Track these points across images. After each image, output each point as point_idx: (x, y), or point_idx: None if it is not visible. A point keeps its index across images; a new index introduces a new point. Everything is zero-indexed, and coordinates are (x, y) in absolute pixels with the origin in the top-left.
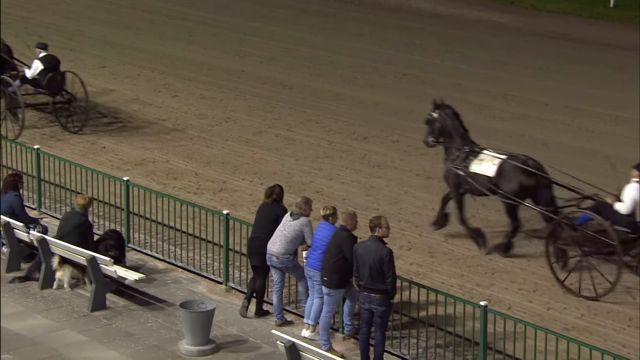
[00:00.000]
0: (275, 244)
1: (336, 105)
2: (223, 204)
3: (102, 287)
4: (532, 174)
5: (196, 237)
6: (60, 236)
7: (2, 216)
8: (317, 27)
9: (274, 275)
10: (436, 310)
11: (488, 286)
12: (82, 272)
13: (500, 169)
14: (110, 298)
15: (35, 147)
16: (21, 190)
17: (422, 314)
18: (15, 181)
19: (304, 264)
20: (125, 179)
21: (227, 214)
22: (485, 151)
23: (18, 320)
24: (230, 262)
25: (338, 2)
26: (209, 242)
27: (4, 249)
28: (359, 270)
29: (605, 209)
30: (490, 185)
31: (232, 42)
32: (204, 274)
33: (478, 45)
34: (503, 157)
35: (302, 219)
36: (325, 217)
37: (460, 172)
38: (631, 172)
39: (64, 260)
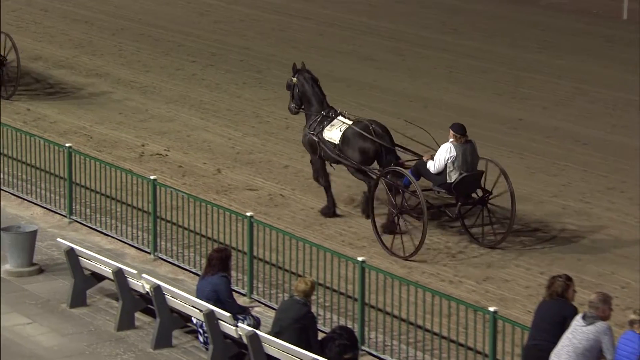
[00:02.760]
0: (562, 357)
1: None
2: (487, 297)
3: None
4: (373, 139)
5: (452, 341)
6: (276, 332)
7: (204, 303)
8: (629, 61)
9: None
10: None
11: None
12: None
13: (344, 136)
14: None
15: (248, 214)
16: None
17: None
18: (224, 258)
19: None
20: (360, 259)
21: (495, 312)
22: (339, 117)
23: None
24: None
25: None
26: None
27: (203, 344)
28: None
29: (423, 169)
30: (336, 152)
31: (506, 79)
32: None
33: None
34: (349, 122)
35: (600, 325)
36: (632, 324)
37: (314, 138)
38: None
39: None
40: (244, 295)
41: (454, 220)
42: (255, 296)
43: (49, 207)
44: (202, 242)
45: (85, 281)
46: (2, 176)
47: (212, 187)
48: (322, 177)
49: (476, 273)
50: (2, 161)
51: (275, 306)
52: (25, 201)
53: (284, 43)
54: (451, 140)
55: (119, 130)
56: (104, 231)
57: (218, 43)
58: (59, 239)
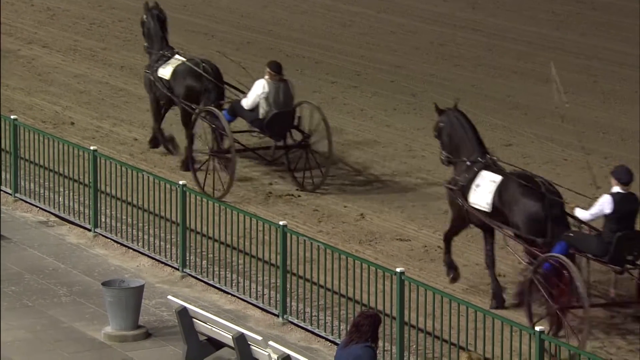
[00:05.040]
0: None
1: None
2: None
3: None
4: (200, 76)
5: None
6: None
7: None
8: None
9: None
10: None
11: None
12: None
13: (174, 72)
14: None
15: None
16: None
17: None
18: (374, 324)
19: None
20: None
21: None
22: (177, 55)
23: None
24: None
25: None
26: None
27: None
28: None
29: (237, 107)
30: (167, 89)
31: None
32: None
33: None
34: (182, 59)
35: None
36: None
37: (150, 76)
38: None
39: None
40: None
41: (273, 162)
42: None
43: (158, 257)
44: (341, 303)
45: (200, 348)
46: (102, 219)
47: (354, 236)
48: (155, 119)
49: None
50: (101, 201)
51: None
52: (131, 250)
53: (445, 60)
54: (266, 77)
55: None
56: (223, 288)
57: (364, 60)
58: (169, 297)
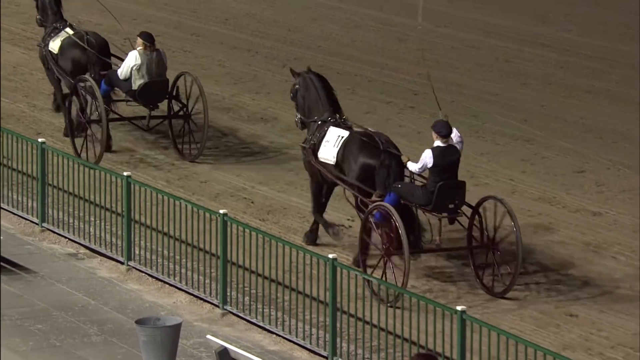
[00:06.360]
0: None
1: None
2: None
3: None
4: (85, 49)
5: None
6: None
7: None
8: None
9: None
10: None
11: None
12: None
13: (61, 45)
14: None
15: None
16: None
17: None
18: None
19: None
20: None
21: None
22: (67, 29)
23: None
24: None
25: None
26: None
27: None
28: None
29: (113, 76)
30: (54, 63)
31: None
32: None
33: None
34: (70, 33)
35: None
36: None
37: (43, 50)
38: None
39: None
40: None
41: (147, 131)
42: None
43: (196, 293)
44: (396, 343)
45: None
46: (136, 251)
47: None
48: (56, 92)
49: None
50: (135, 231)
51: None
52: (167, 285)
53: (511, 78)
54: (138, 48)
55: (289, 192)
56: (267, 327)
57: (422, 78)
58: (208, 336)
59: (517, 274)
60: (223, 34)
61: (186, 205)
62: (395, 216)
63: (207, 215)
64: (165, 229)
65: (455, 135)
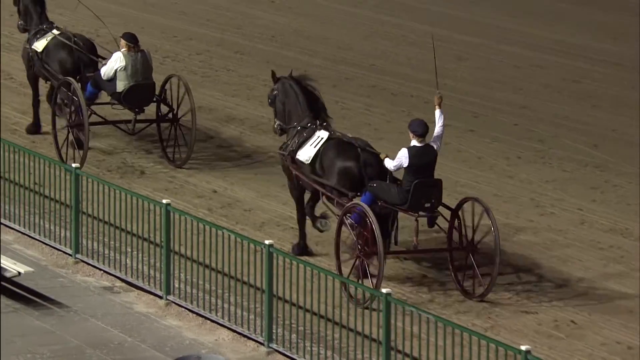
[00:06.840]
0: None
1: None
2: None
3: None
4: (72, 50)
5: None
6: None
7: None
8: None
9: None
10: None
11: None
12: None
13: (47, 46)
14: None
15: None
16: None
17: None
18: None
19: None
20: None
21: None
22: (54, 30)
23: None
24: None
25: None
26: None
27: None
28: None
29: (99, 79)
30: (40, 64)
31: None
32: None
33: None
34: (56, 33)
35: None
36: None
37: (29, 50)
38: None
39: None
40: None
41: (133, 135)
42: None
43: (240, 330)
44: None
45: None
46: (175, 284)
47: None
48: (32, 87)
49: None
50: (174, 263)
51: None
52: (208, 321)
53: (580, 100)
54: (123, 49)
55: None
56: None
57: (482, 99)
58: None
59: (496, 276)
60: (269, 51)
61: (229, 235)
62: (371, 215)
63: (252, 246)
64: (207, 261)
65: (438, 126)
